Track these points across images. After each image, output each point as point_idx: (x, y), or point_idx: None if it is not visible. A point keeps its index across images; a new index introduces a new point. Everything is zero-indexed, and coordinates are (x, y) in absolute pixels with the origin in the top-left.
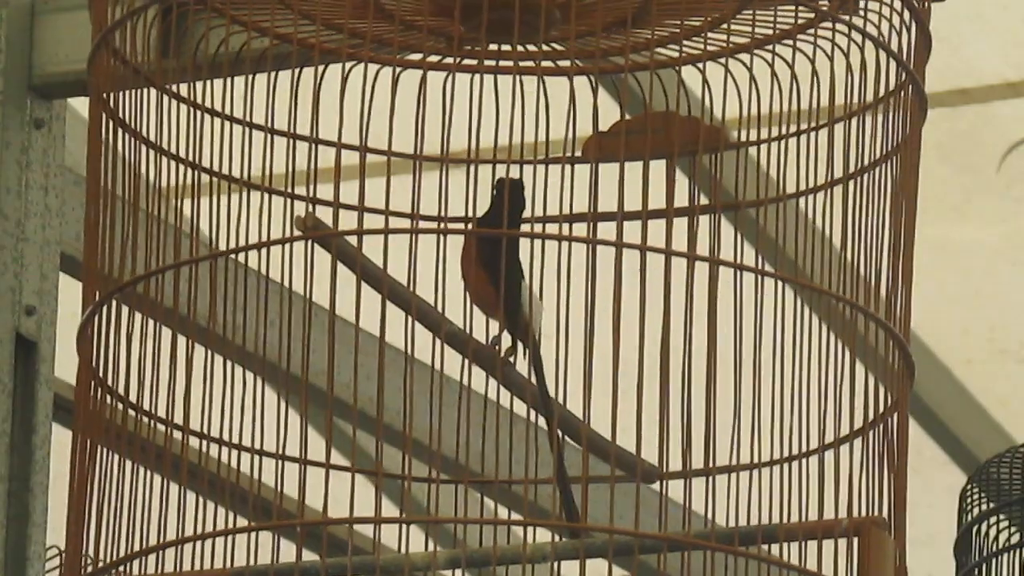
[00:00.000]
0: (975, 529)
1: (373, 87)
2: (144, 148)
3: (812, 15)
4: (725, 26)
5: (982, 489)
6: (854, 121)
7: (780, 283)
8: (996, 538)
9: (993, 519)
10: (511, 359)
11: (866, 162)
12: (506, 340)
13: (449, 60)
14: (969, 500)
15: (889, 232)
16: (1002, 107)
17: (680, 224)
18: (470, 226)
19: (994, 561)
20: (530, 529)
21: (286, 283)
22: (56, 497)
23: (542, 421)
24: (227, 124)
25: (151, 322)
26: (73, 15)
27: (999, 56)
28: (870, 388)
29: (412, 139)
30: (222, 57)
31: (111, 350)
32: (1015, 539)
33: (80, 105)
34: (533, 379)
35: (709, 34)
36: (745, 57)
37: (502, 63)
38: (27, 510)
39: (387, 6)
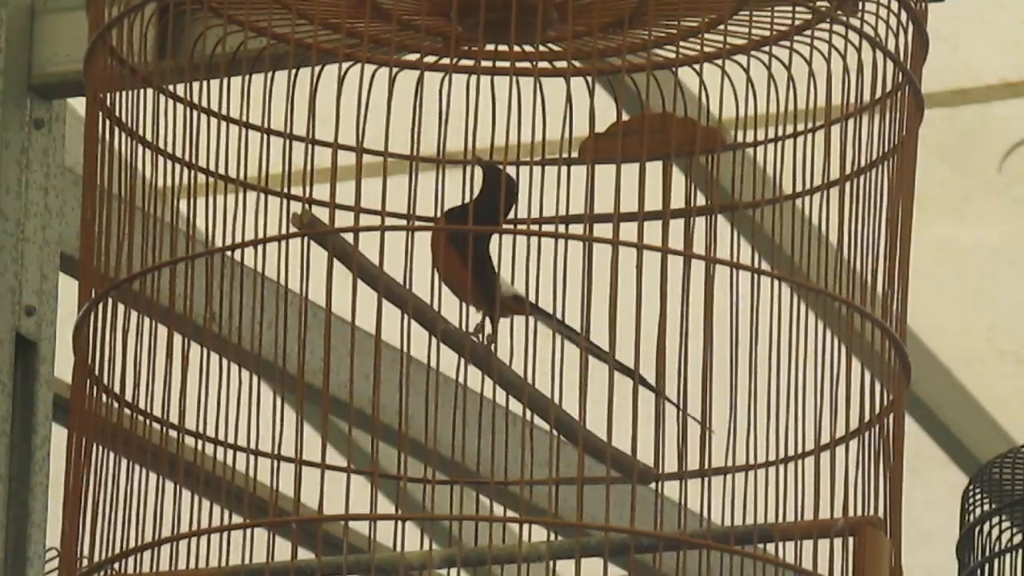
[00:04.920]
0: (977, 530)
1: (370, 87)
2: (141, 147)
3: (809, 16)
4: (722, 27)
5: (984, 490)
6: (851, 122)
7: (777, 282)
8: (998, 539)
9: (995, 520)
10: (491, 344)
11: (863, 163)
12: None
13: (446, 60)
14: (971, 501)
15: (886, 232)
16: (1001, 107)
17: (677, 225)
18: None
19: (996, 562)
20: (526, 528)
21: (282, 282)
22: (56, 497)
23: (539, 420)
24: (223, 124)
25: (147, 320)
26: (73, 15)
27: (998, 56)
28: (866, 388)
29: (409, 139)
30: (219, 57)
31: (107, 348)
32: (1017, 540)
33: (80, 105)
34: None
35: (706, 35)
36: (742, 58)
37: (499, 63)
38: (27, 510)
39: (384, 6)
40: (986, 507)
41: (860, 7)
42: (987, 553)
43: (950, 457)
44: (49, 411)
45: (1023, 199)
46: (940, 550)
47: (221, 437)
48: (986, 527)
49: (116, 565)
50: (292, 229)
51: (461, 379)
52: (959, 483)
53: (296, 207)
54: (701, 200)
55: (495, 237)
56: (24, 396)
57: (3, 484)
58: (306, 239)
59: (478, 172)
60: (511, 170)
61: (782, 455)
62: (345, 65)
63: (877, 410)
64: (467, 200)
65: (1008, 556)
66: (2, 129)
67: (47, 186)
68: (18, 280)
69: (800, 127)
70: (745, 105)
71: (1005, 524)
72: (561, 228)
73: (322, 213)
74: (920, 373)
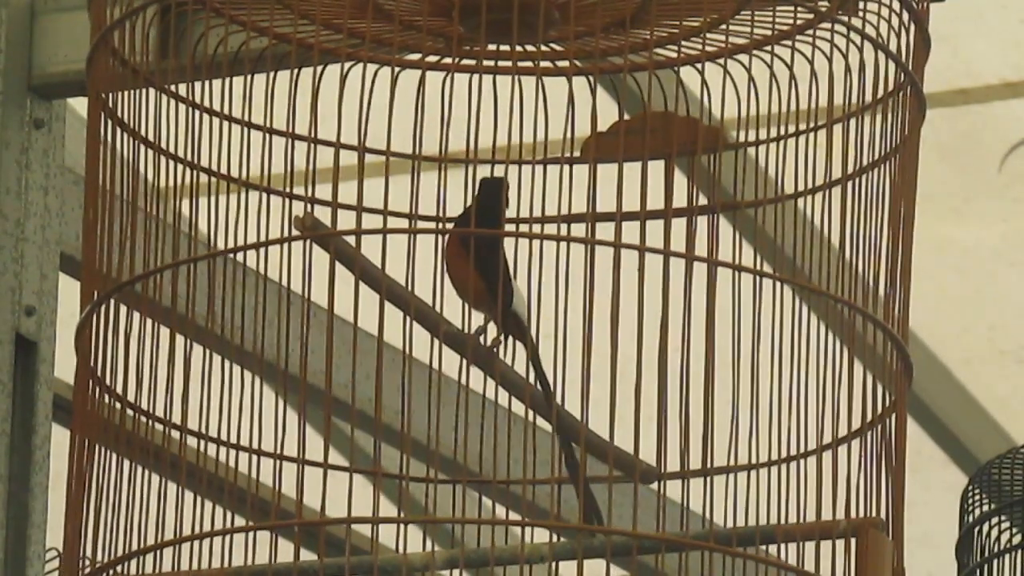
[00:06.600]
0: (976, 530)
1: (372, 87)
2: (143, 148)
3: (811, 16)
4: (724, 27)
5: (983, 490)
6: (853, 122)
7: (779, 284)
8: (997, 539)
9: (994, 520)
10: (496, 348)
11: (864, 163)
12: (491, 329)
13: (448, 60)
14: (970, 501)
15: (887, 233)
16: (1001, 107)
17: (679, 224)
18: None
19: (995, 562)
20: (528, 529)
21: (284, 283)
22: (56, 497)
23: (541, 420)
24: (225, 124)
25: (150, 321)
26: (73, 15)
27: (998, 56)
28: (868, 388)
29: (411, 139)
30: (221, 57)
31: (109, 350)
32: (1016, 540)
33: (80, 105)
34: (535, 379)
35: (708, 35)
36: (744, 58)
37: (501, 63)
38: (27, 510)
39: (386, 6)
40: (985, 507)
41: (862, 7)
42: (986, 553)
43: (950, 457)
44: (49, 411)
45: (1023, 199)
46: (940, 550)
47: (223, 438)
48: (985, 527)
49: (119, 567)
50: (294, 232)
51: (463, 380)
52: (959, 483)
53: (298, 207)
54: (702, 200)
55: (507, 245)
56: (24, 396)
57: (3, 484)
58: (308, 241)
59: (480, 172)
60: (512, 170)
61: (784, 455)
62: (347, 65)
63: (879, 410)
64: (468, 204)
65: (1007, 557)
66: (2, 129)
67: (47, 186)
68: (18, 280)
69: (802, 127)
70: (747, 104)
71: (1004, 524)
72: (563, 228)
73: (324, 212)
74: (920, 373)
